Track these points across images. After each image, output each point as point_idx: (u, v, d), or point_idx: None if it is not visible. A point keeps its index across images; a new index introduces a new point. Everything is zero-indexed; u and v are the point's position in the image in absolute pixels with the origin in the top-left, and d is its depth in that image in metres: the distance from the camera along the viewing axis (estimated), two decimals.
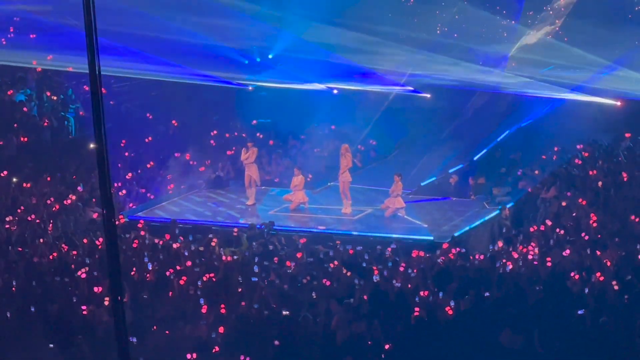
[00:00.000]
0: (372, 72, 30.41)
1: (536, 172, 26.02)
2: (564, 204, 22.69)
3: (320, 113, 30.72)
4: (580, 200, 22.77)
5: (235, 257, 19.72)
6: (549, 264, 18.36)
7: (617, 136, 28.36)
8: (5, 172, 24.54)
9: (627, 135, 27.05)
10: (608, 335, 14.68)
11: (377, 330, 15.26)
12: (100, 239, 20.08)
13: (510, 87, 30.34)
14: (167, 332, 15.54)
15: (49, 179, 24.70)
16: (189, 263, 18.70)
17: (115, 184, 25.08)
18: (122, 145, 27.54)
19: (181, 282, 17.47)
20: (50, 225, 21.87)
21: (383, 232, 23.00)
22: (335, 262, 18.82)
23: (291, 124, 31.31)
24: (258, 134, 30.26)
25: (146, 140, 28.73)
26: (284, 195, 25.25)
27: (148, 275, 17.96)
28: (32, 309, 16.31)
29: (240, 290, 17.16)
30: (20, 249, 19.58)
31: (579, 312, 15.22)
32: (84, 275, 17.67)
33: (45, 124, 28.05)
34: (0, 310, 16.52)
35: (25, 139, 26.96)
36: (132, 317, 15.43)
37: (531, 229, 21.49)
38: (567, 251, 18.97)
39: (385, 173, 25.36)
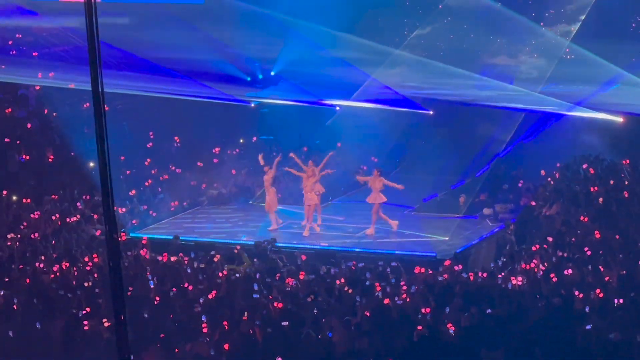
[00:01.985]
0: (375, 87, 30.30)
1: (539, 188, 25.95)
2: (566, 221, 22.63)
3: (323, 130, 30.66)
4: (583, 217, 22.68)
5: (237, 274, 19.68)
6: (552, 280, 18.30)
7: (620, 152, 28.18)
8: (5, 192, 24.58)
9: (625, 162, 26.82)
10: (611, 353, 14.62)
11: (379, 347, 15.20)
12: (95, 255, 20.10)
13: (515, 102, 30.16)
14: (168, 349, 15.49)
15: (53, 196, 24.66)
16: (191, 280, 18.66)
17: (117, 201, 25.04)
18: (123, 161, 27.50)
19: (183, 299, 17.42)
20: (53, 242, 21.84)
21: (385, 248, 22.97)
22: (337, 279, 18.78)
23: (294, 140, 31.26)
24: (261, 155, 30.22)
25: (148, 157, 28.69)
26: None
27: (150, 292, 17.92)
28: (38, 326, 16.32)
29: (242, 307, 17.10)
30: (21, 266, 19.55)
31: (587, 327, 15.17)
32: (85, 293, 17.63)
33: (48, 141, 28.02)
34: (2, 327, 16.51)
35: (27, 157, 26.96)
36: (133, 334, 15.37)
37: (533, 248, 21.39)
38: (570, 270, 18.89)
39: (387, 190, 25.25)
